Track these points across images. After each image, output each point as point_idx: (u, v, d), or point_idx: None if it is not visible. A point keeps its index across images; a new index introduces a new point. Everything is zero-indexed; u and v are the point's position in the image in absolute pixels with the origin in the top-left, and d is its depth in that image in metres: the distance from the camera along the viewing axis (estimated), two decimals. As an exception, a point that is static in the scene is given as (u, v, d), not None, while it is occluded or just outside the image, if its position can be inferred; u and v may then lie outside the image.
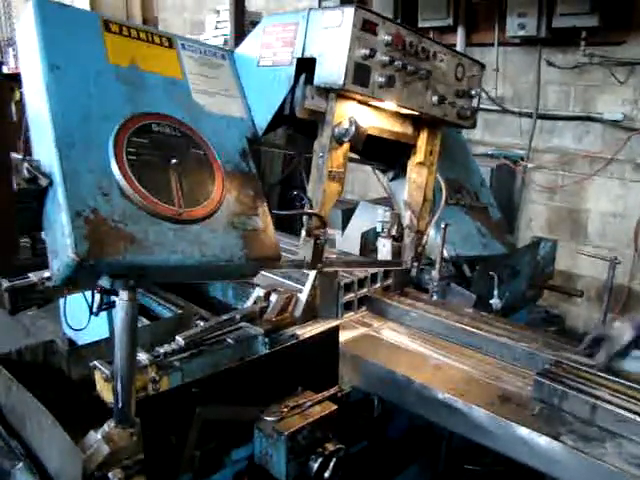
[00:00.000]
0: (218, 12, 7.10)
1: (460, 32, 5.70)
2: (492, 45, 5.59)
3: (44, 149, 1.64)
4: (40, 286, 2.47)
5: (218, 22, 7.00)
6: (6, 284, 2.36)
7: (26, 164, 1.59)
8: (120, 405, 1.60)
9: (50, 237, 1.63)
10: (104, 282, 1.62)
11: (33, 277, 2.49)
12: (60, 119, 1.64)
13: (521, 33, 5.23)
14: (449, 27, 5.66)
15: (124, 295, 1.58)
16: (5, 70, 7.55)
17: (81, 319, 3.06)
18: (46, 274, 2.52)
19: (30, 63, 1.74)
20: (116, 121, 1.75)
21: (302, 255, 2.26)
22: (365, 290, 2.78)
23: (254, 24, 2.52)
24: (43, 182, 1.59)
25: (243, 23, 5.73)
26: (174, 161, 1.80)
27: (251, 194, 2.02)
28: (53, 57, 1.71)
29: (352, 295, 2.70)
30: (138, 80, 1.90)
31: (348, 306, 2.69)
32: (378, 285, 2.86)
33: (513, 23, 5.26)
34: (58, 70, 1.70)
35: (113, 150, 1.69)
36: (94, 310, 2.02)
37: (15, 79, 7.73)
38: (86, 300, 2.98)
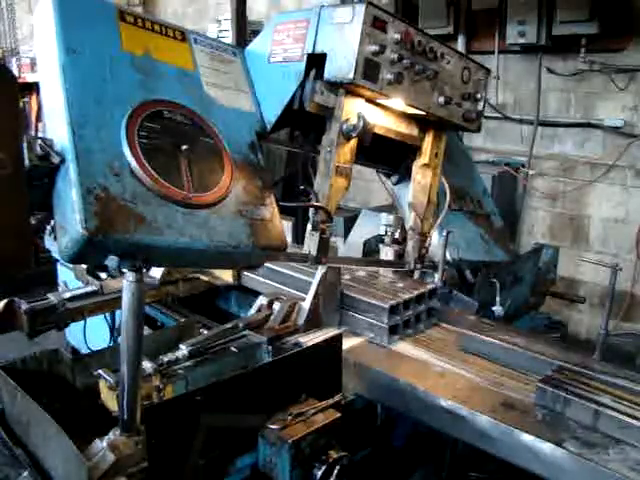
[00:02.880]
0: (219, 22, 7.12)
1: (460, 40, 5.75)
2: (492, 53, 5.62)
3: (57, 129, 1.67)
4: (60, 308, 2.40)
5: (220, 32, 7.02)
6: (25, 306, 2.29)
7: (39, 141, 1.61)
8: (125, 413, 1.61)
9: (59, 214, 1.65)
10: (111, 262, 1.63)
11: (53, 298, 2.42)
12: (74, 100, 1.68)
13: (521, 41, 5.27)
14: (450, 35, 5.69)
15: (131, 276, 1.59)
16: (8, 80, 7.55)
17: (92, 336, 3.05)
18: (66, 295, 2.41)
19: (47, 47, 1.77)
20: (129, 106, 1.78)
21: (307, 249, 2.28)
22: (410, 312, 2.56)
23: (256, 33, 2.55)
24: (55, 159, 1.61)
25: (245, 32, 5.75)
26: (184, 147, 1.83)
27: (259, 185, 2.05)
28: (70, 41, 1.75)
29: (397, 318, 2.48)
30: (151, 68, 1.94)
31: (394, 329, 2.48)
32: (423, 307, 2.62)
33: (513, 31, 5.29)
34: (74, 53, 1.74)
35: (125, 133, 1.72)
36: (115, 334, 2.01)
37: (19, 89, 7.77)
38: (107, 321, 2.98)
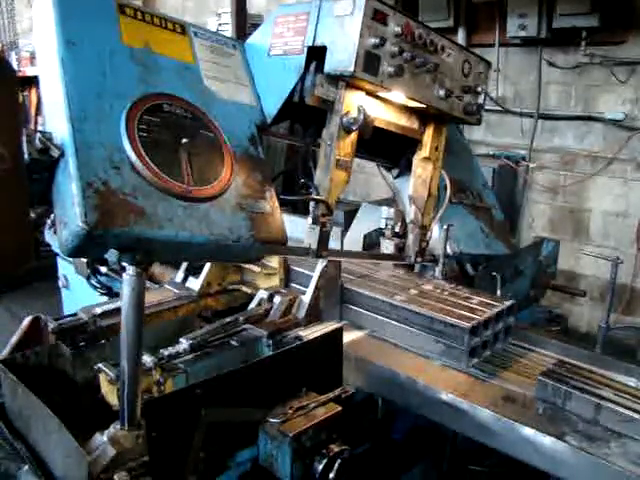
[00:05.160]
0: (219, 15, 7.10)
1: (461, 33, 5.72)
2: (493, 46, 5.59)
3: (57, 122, 1.66)
4: (91, 326, 2.19)
5: (219, 25, 7.00)
6: (52, 324, 2.13)
7: (39, 135, 1.60)
8: (125, 407, 1.61)
9: (59, 208, 1.64)
10: (111, 255, 1.63)
11: (83, 315, 2.24)
12: (74, 93, 1.67)
13: (522, 34, 5.24)
14: (450, 28, 5.67)
15: (131, 270, 1.58)
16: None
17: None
18: (97, 310, 2.22)
19: (46, 39, 1.76)
20: (129, 99, 1.78)
21: (307, 242, 2.28)
22: (489, 332, 2.33)
23: (255, 26, 2.55)
24: (55, 153, 1.60)
25: (245, 26, 5.74)
26: (184, 141, 1.83)
27: (259, 178, 2.04)
28: (69, 33, 1.74)
29: (477, 339, 2.25)
30: (151, 62, 1.93)
31: (473, 352, 2.25)
32: (501, 325, 2.40)
33: (514, 24, 5.27)
34: (74, 46, 1.73)
35: (125, 126, 1.72)
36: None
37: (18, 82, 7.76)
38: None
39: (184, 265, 2.66)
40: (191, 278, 2.65)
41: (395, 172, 3.04)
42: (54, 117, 1.69)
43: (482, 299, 2.49)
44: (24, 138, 1.58)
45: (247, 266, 2.66)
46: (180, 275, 2.68)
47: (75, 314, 2.24)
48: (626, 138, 5.06)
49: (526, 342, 2.47)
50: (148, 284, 2.85)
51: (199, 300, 2.59)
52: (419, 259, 2.85)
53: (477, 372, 2.20)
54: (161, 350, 1.93)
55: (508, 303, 2.46)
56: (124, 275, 1.60)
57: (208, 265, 2.58)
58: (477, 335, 2.26)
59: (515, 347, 2.39)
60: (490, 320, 2.33)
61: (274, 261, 2.64)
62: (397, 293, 2.54)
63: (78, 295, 3.80)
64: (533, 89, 5.54)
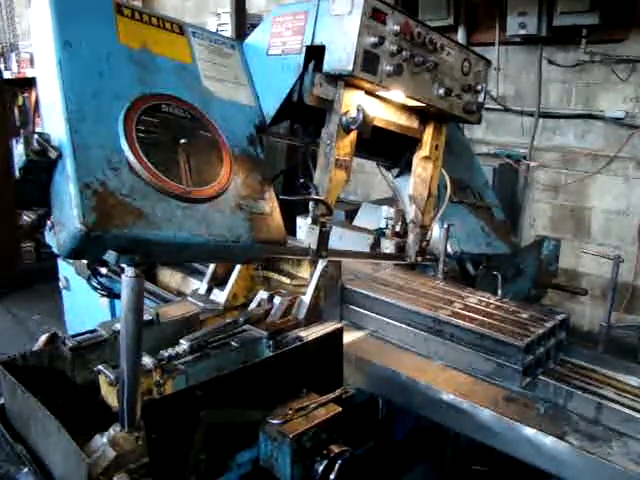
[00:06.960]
0: (219, 15, 7.10)
1: (461, 32, 5.73)
2: (493, 44, 5.60)
3: (54, 123, 1.66)
4: (113, 341, 2.04)
5: (219, 25, 7.00)
6: (70, 342, 1.99)
7: (36, 136, 1.59)
8: (125, 409, 1.60)
9: (57, 210, 1.64)
10: (109, 257, 1.62)
11: (102, 331, 2.10)
12: (71, 94, 1.67)
13: (522, 32, 5.25)
14: (450, 27, 5.67)
15: (130, 271, 1.58)
16: (8, 75, 7.54)
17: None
18: (117, 326, 2.02)
19: (43, 40, 1.76)
20: (126, 100, 1.77)
21: (307, 243, 2.28)
22: (542, 349, 2.17)
23: (255, 27, 2.55)
24: (52, 154, 1.59)
25: (244, 26, 5.74)
26: (183, 141, 1.82)
27: (258, 179, 2.04)
28: (66, 34, 1.73)
29: (531, 357, 2.10)
30: (149, 62, 1.93)
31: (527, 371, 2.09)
32: (552, 342, 2.23)
33: (514, 22, 5.27)
34: (70, 47, 1.73)
35: (123, 127, 1.71)
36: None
37: (18, 84, 7.76)
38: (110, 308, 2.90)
39: (208, 276, 2.54)
40: (216, 290, 2.50)
41: (395, 171, 3.03)
42: (52, 118, 1.68)
43: (532, 313, 2.36)
44: (21, 139, 1.57)
45: (276, 277, 2.58)
46: (204, 286, 2.54)
47: (94, 330, 2.10)
48: (627, 136, 5.06)
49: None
50: (169, 296, 2.83)
51: (225, 313, 2.44)
52: (419, 259, 2.85)
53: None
54: (161, 351, 1.92)
55: (560, 317, 2.33)
56: (123, 276, 1.59)
57: (234, 277, 2.47)
58: (532, 353, 2.13)
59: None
60: (544, 336, 2.20)
61: (304, 272, 2.55)
62: (441, 307, 2.40)
63: (79, 296, 3.81)
64: (533, 87, 5.53)
